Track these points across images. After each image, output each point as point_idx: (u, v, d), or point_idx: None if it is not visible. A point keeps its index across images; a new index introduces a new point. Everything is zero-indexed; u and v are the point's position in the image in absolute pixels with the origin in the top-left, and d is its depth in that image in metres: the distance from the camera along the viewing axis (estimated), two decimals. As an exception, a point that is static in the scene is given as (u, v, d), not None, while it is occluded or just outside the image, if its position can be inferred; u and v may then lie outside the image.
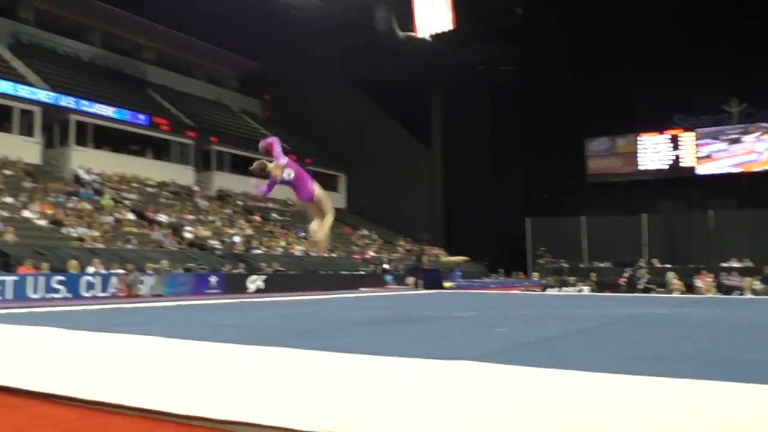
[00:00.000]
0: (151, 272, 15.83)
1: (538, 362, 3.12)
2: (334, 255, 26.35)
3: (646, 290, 15.57)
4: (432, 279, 17.93)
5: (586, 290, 16.48)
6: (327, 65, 34.62)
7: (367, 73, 33.72)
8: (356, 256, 27.32)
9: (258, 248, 23.46)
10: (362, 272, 24.36)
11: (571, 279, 18.42)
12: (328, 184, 36.70)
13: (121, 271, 15.32)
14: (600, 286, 17.36)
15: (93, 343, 4.09)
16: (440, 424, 2.03)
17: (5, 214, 17.74)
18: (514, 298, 11.83)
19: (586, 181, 32.74)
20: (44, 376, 2.79)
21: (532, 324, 5.98)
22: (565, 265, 22.55)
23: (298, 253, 24.76)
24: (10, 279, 13.43)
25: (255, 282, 18.78)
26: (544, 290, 17.18)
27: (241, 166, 32.22)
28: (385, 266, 25.53)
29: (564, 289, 16.84)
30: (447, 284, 18.38)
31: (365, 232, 32.70)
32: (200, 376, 2.83)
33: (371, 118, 35.63)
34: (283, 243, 25.52)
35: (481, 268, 29.47)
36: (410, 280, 19.82)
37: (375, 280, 22.34)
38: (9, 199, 18.92)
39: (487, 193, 34.50)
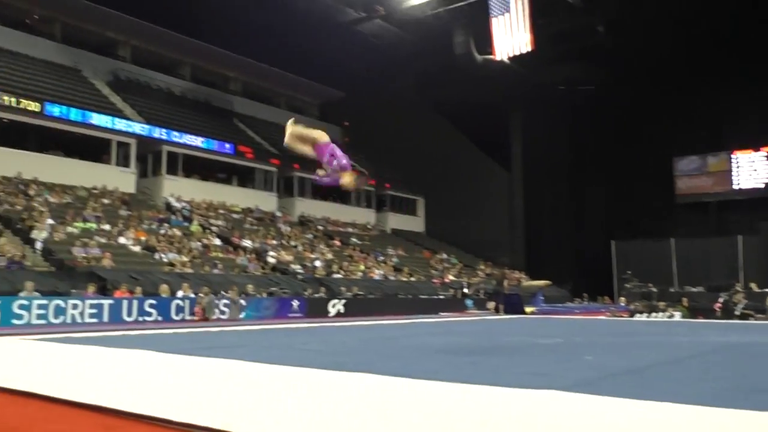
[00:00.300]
0: (227, 299, 16.12)
1: (631, 393, 2.99)
2: (413, 279, 26.33)
3: (743, 317, 14.68)
4: (513, 304, 17.56)
5: (677, 316, 15.70)
6: (405, 91, 34.99)
7: (444, 97, 33.82)
8: (435, 281, 27.16)
9: (338, 272, 23.75)
10: (442, 297, 24.17)
11: (661, 304, 17.57)
12: (407, 208, 36.91)
13: (201, 295, 15.73)
14: (692, 312, 16.49)
15: (183, 367, 4.23)
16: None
17: (103, 240, 18.76)
18: (601, 324, 11.42)
19: (675, 201, 31.40)
20: (140, 398, 2.91)
21: (622, 352, 5.75)
22: (654, 289, 21.58)
23: (377, 278, 24.90)
24: (106, 303, 14.14)
25: (335, 306, 18.99)
26: (632, 316, 16.47)
27: (322, 192, 32.90)
28: (465, 291, 25.23)
29: (653, 314, 16.09)
30: (529, 309, 17.96)
31: (444, 255, 32.52)
32: (285, 401, 2.87)
33: (449, 141, 35.61)
34: (362, 267, 25.73)
35: (564, 293, 28.68)
36: (491, 304, 19.46)
37: (455, 304, 22.11)
38: (107, 227, 20.00)
39: (570, 216, 33.66)
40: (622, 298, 21.56)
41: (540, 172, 33.93)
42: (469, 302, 22.90)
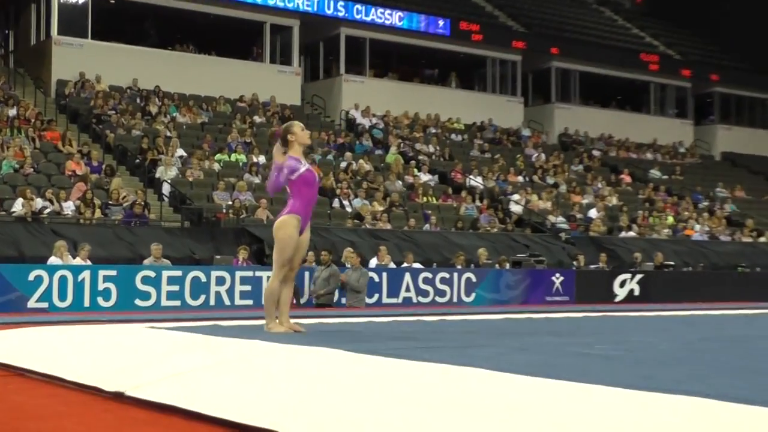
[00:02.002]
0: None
1: None
2: (763, 240, 25.17)
3: None
4: None
5: None
6: None
7: None
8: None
9: (629, 229, 23.39)
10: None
11: None
12: (751, 115, 35.24)
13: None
14: None
15: (391, 374, 4.33)
16: None
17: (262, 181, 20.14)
18: None
19: None
20: (328, 420, 3.01)
21: None
22: None
23: (698, 237, 24.12)
24: (264, 275, 15.04)
25: (626, 284, 18.89)
26: None
27: (596, 95, 32.36)
28: None
29: None
30: None
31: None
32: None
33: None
34: (671, 220, 25.11)
35: None
36: None
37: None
38: (261, 159, 21.38)
39: None
40: None
41: None
42: None
